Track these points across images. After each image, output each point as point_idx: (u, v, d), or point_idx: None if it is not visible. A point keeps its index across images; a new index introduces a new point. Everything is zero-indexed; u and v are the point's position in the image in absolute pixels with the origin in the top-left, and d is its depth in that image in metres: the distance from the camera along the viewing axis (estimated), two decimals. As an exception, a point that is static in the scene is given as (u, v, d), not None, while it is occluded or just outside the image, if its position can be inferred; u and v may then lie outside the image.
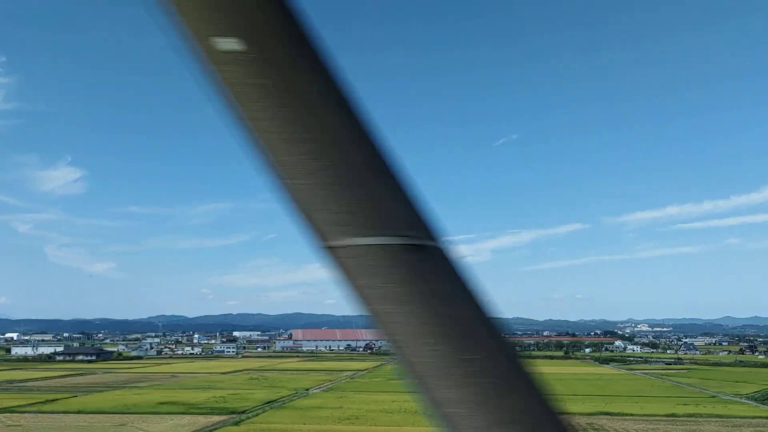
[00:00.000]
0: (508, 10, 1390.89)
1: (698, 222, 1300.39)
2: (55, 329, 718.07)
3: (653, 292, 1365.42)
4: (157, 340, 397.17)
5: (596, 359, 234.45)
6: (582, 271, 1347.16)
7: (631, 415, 79.56)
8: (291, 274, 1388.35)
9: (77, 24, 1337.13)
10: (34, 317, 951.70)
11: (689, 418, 77.43)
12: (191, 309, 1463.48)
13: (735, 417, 77.93)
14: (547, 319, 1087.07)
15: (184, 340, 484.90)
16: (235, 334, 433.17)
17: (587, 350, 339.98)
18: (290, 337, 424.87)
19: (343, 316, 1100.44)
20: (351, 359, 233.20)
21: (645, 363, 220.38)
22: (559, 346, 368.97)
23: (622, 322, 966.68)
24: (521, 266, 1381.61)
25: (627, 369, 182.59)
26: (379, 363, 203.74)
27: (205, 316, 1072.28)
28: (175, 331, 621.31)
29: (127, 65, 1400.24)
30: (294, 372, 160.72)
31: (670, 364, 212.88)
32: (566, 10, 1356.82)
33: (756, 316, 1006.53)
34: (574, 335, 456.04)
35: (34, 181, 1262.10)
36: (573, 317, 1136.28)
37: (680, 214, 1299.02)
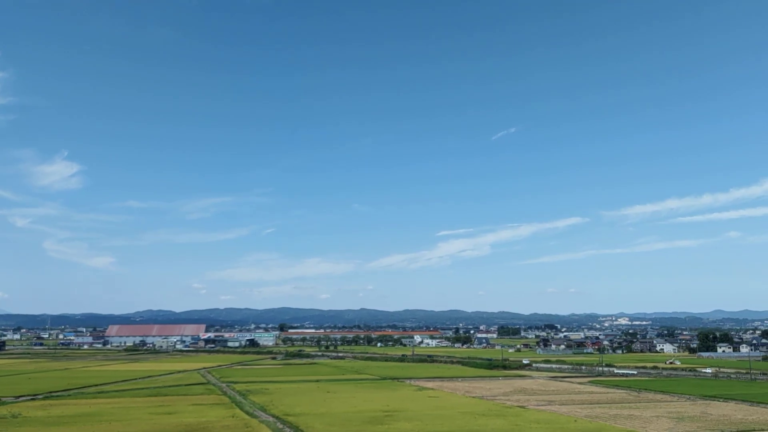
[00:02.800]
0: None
1: (698, 215, 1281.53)
2: (38, 324, 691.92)
3: (647, 286, 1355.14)
4: None
5: (284, 354, 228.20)
6: (580, 265, 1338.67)
7: None
8: (289, 269, 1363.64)
9: (76, 18, 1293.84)
10: (24, 312, 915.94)
11: None
12: (180, 304, 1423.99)
13: None
14: (533, 313, 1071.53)
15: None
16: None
17: (379, 344, 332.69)
18: (102, 332, 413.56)
19: (330, 310, 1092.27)
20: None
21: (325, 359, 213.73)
22: (368, 339, 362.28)
23: (603, 316, 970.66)
24: (520, 260, 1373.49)
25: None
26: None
27: (192, 311, 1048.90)
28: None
29: (126, 61, 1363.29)
30: None
31: (334, 359, 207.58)
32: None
33: (746, 310, 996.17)
34: (386, 330, 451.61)
35: (31, 176, 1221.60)
36: (564, 311, 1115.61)
37: (679, 208, 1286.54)
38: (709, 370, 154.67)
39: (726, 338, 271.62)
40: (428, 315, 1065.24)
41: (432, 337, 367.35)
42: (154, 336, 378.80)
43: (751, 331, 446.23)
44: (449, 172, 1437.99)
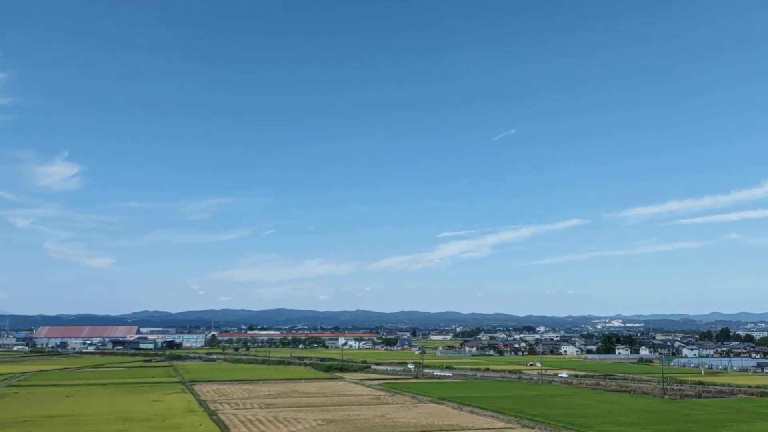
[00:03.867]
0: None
1: (699, 217, 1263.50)
2: (31, 325, 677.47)
3: (646, 288, 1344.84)
4: None
5: (165, 357, 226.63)
6: (580, 266, 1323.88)
7: None
8: (288, 270, 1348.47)
9: (75, 17, 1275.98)
10: (21, 313, 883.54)
11: None
12: (177, 305, 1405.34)
13: None
14: (528, 314, 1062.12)
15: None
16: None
17: (300, 346, 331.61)
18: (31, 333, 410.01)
19: (326, 312, 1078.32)
20: None
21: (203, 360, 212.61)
22: (295, 342, 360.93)
23: (598, 318, 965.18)
24: (521, 261, 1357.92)
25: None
26: None
27: (188, 311, 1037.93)
28: (146, 326, 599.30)
29: (126, 59, 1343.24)
30: None
31: (206, 361, 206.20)
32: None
33: (743, 312, 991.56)
34: (322, 331, 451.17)
35: (31, 177, 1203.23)
36: (562, 313, 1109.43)
37: (680, 210, 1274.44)
38: (564, 374, 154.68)
39: (629, 340, 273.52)
40: (423, 316, 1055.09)
41: (360, 339, 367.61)
42: (81, 337, 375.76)
43: (692, 334, 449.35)
44: (450, 173, 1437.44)
